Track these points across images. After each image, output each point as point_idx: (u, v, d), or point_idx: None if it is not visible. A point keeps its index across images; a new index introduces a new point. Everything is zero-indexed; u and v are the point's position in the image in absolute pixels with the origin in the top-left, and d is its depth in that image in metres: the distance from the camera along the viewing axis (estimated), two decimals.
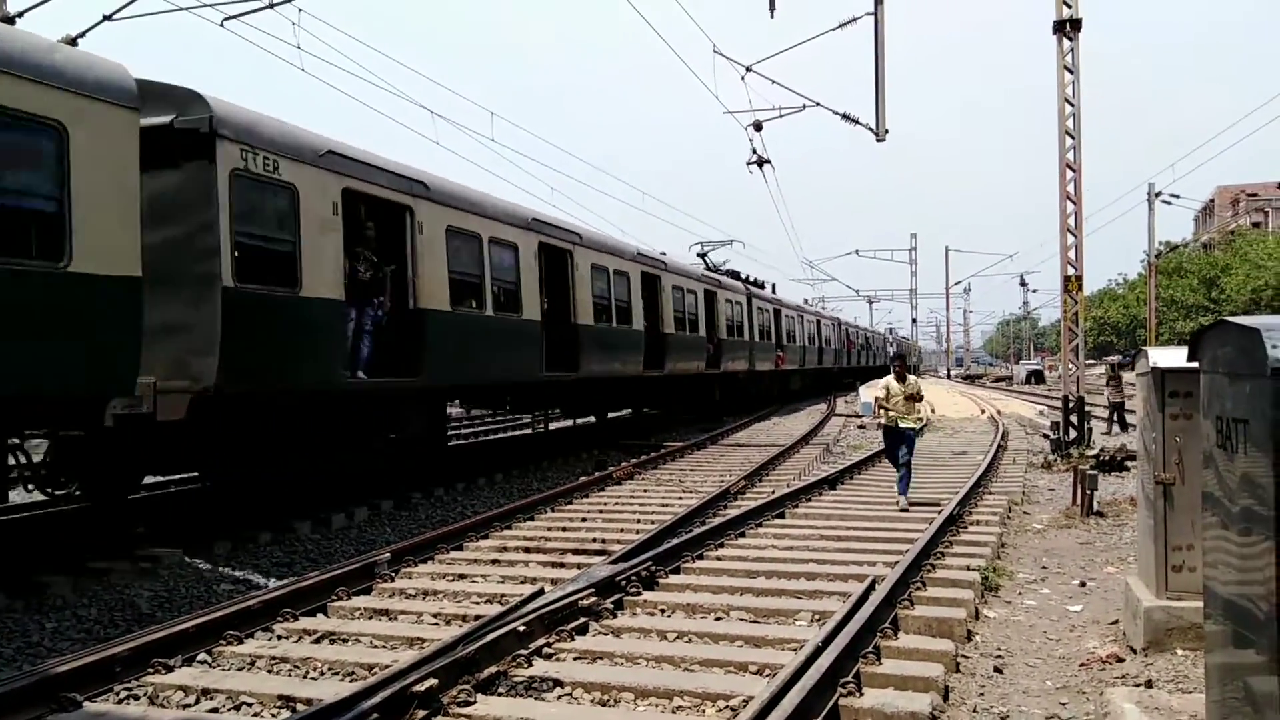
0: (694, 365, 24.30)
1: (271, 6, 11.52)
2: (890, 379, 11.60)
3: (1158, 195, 42.60)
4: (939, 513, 10.00)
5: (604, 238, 19.73)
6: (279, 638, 6.46)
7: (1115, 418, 23.64)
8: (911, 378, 11.68)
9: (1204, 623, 3.87)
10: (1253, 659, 3.21)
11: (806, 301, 53.93)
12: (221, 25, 11.98)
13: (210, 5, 11.52)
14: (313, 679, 5.67)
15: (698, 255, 30.93)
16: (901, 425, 11.29)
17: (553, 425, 23.06)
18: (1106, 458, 15.52)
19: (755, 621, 6.68)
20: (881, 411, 11.53)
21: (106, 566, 8.54)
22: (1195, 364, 3.89)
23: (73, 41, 9.11)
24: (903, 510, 10.67)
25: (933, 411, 29.54)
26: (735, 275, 30.68)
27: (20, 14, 10.27)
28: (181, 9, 11.43)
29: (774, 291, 36.21)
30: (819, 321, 44.89)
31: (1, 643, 6.67)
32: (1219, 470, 3.52)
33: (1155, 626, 5.96)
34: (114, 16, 10.74)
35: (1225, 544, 3.47)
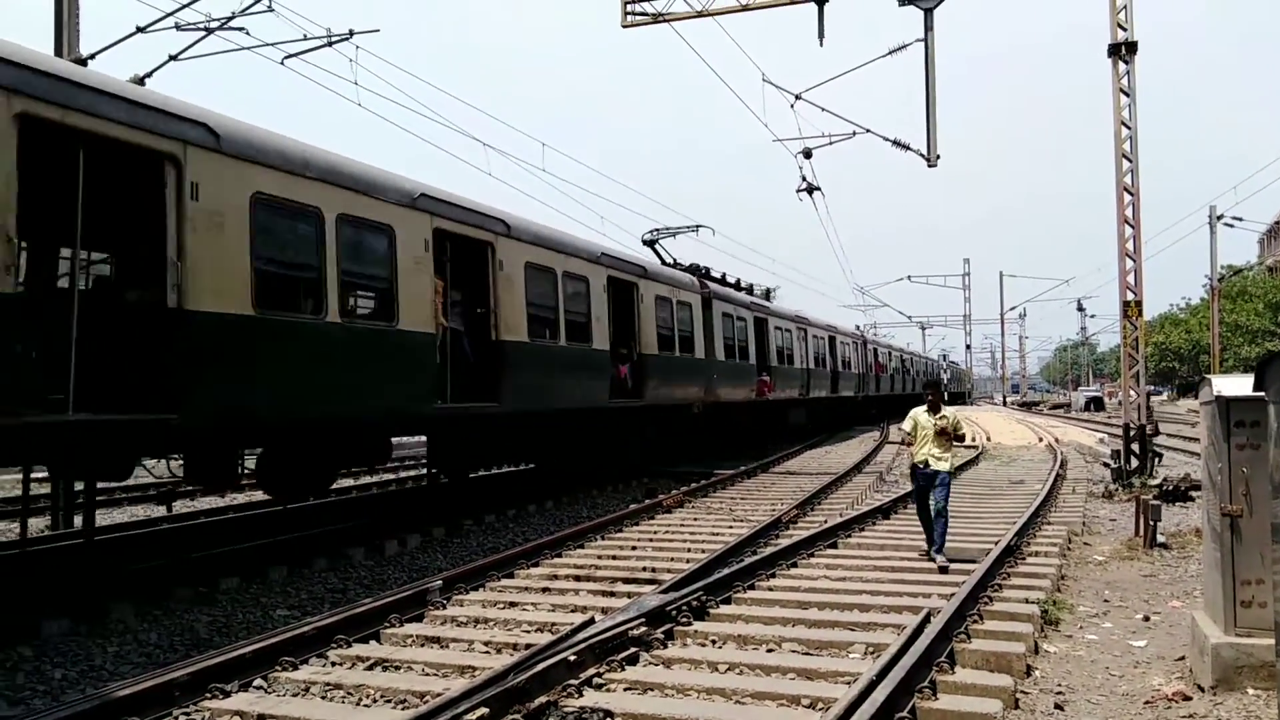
0: (578, 396, 15.58)
1: (330, 44, 11.82)
2: (920, 410, 10.02)
3: (1219, 218, 41.67)
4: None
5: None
6: (333, 664, 6.53)
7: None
8: (948, 409, 10.09)
9: (1277, 661, 3.73)
10: None
11: (858, 328, 53.22)
12: (282, 63, 12.32)
13: (272, 44, 11.86)
14: (365, 706, 5.71)
15: (644, 242, 23.32)
16: (934, 467, 9.77)
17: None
18: (1170, 487, 15.10)
19: (808, 653, 6.59)
20: (910, 448, 10.14)
21: (168, 591, 8.71)
22: (1262, 393, 3.77)
23: (141, 81, 9.43)
24: (941, 570, 9.14)
25: (988, 439, 29.08)
26: (698, 271, 22.99)
27: (92, 55, 10.67)
28: (243, 48, 11.79)
29: (769, 298, 30.69)
30: (832, 339, 35.58)
31: (66, 665, 6.83)
32: None
33: (1224, 664, 5.77)
34: (179, 57, 11.09)
35: None
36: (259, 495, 17.58)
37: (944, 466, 9.84)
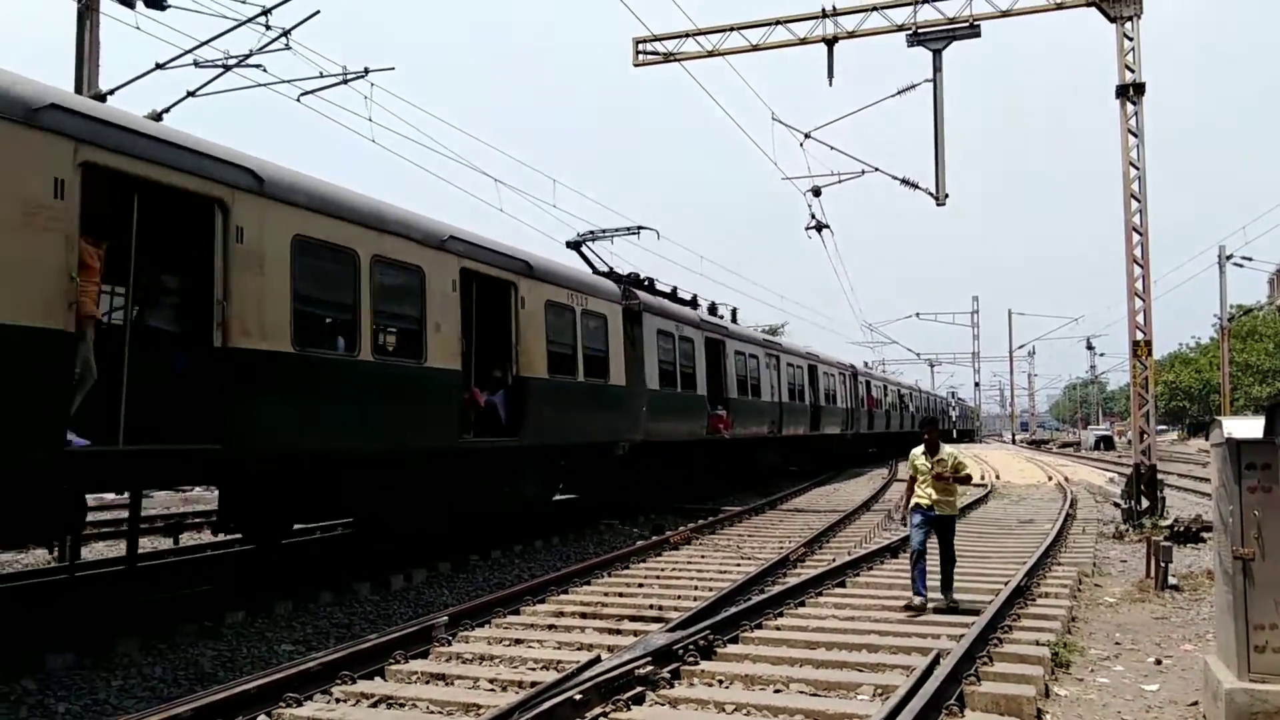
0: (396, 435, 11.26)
1: (345, 82, 11.98)
2: (918, 451, 9.57)
3: (1229, 258, 41.67)
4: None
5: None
6: (337, 700, 6.49)
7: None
8: (949, 449, 9.59)
9: None
10: None
11: (869, 363, 52.96)
12: (298, 100, 12.48)
13: (288, 81, 12.03)
14: None
15: (568, 245, 19.65)
16: (937, 511, 9.29)
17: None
18: (1181, 528, 14.98)
19: (815, 694, 6.53)
20: (916, 494, 9.50)
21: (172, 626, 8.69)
22: (1274, 438, 3.76)
23: (158, 116, 9.57)
24: (940, 610, 8.93)
25: (998, 478, 28.92)
26: (627, 279, 18.70)
27: (111, 91, 10.83)
28: (260, 85, 11.96)
29: (734, 320, 26.02)
30: (812, 369, 31.29)
31: (70, 699, 6.80)
32: None
33: (1238, 710, 5.69)
34: (197, 93, 11.26)
35: None
36: None
37: (947, 511, 9.34)
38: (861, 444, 40.58)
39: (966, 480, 9.47)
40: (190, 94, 11.66)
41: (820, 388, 32.19)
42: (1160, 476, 17.80)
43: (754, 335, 27.10)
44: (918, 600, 9.01)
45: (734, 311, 26.10)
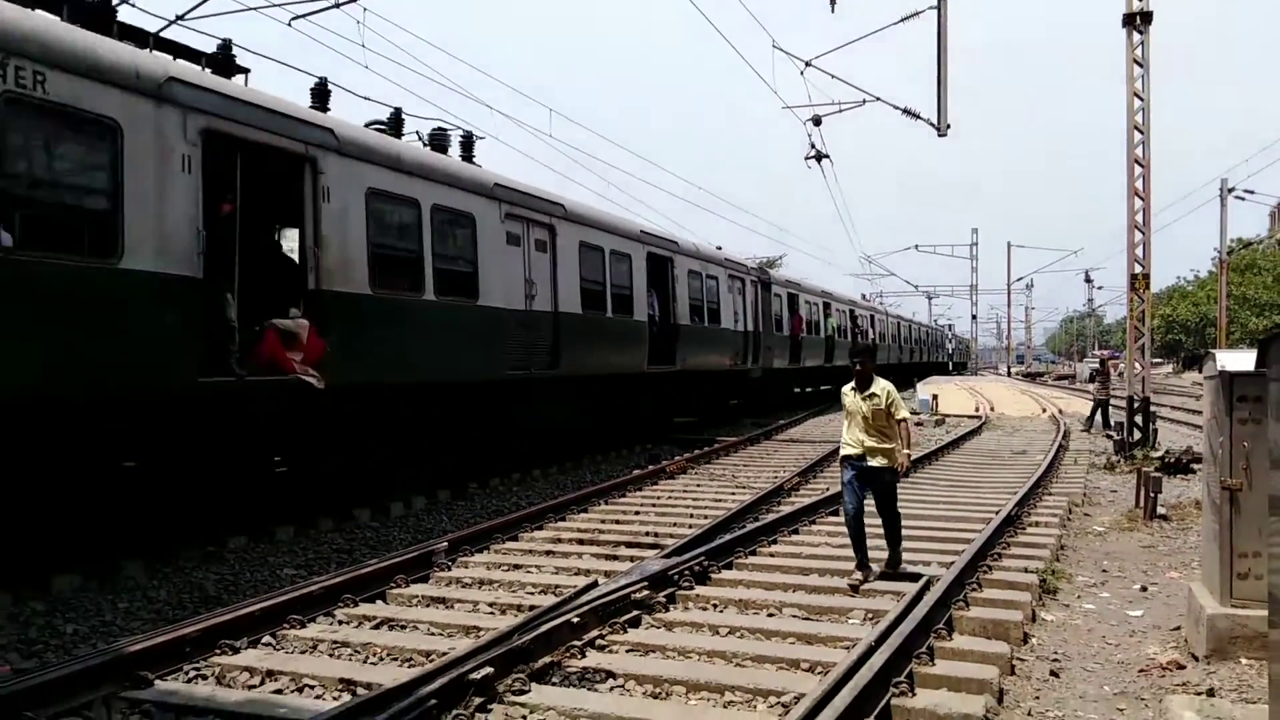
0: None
1: (338, 6, 11.74)
2: (848, 388, 7.74)
3: (1231, 191, 41.37)
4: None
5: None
6: (340, 623, 6.64)
7: (1100, 414, 23.17)
8: (882, 383, 7.61)
9: (1269, 631, 3.80)
10: None
11: (865, 297, 52.80)
12: (289, 24, 12.23)
13: (279, 4, 11.78)
14: (373, 664, 5.82)
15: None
16: (870, 463, 7.50)
17: None
18: (1172, 460, 15.17)
19: (808, 618, 6.68)
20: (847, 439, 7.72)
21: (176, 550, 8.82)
22: (1264, 370, 3.80)
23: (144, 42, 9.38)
24: (885, 577, 7.49)
25: (992, 409, 29.12)
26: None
27: None
28: (250, 9, 11.71)
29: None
30: (664, 261, 19.17)
31: (78, 621, 6.95)
32: None
33: (1219, 634, 5.85)
34: (185, 17, 11.03)
35: None
36: None
37: (880, 461, 7.48)
38: (780, 382, 29.68)
39: (902, 423, 7.57)
40: (179, 18, 11.40)
41: (682, 298, 19.91)
42: (1153, 409, 17.94)
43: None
44: (858, 575, 7.42)
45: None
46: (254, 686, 5.43)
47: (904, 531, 7.89)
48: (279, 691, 5.36)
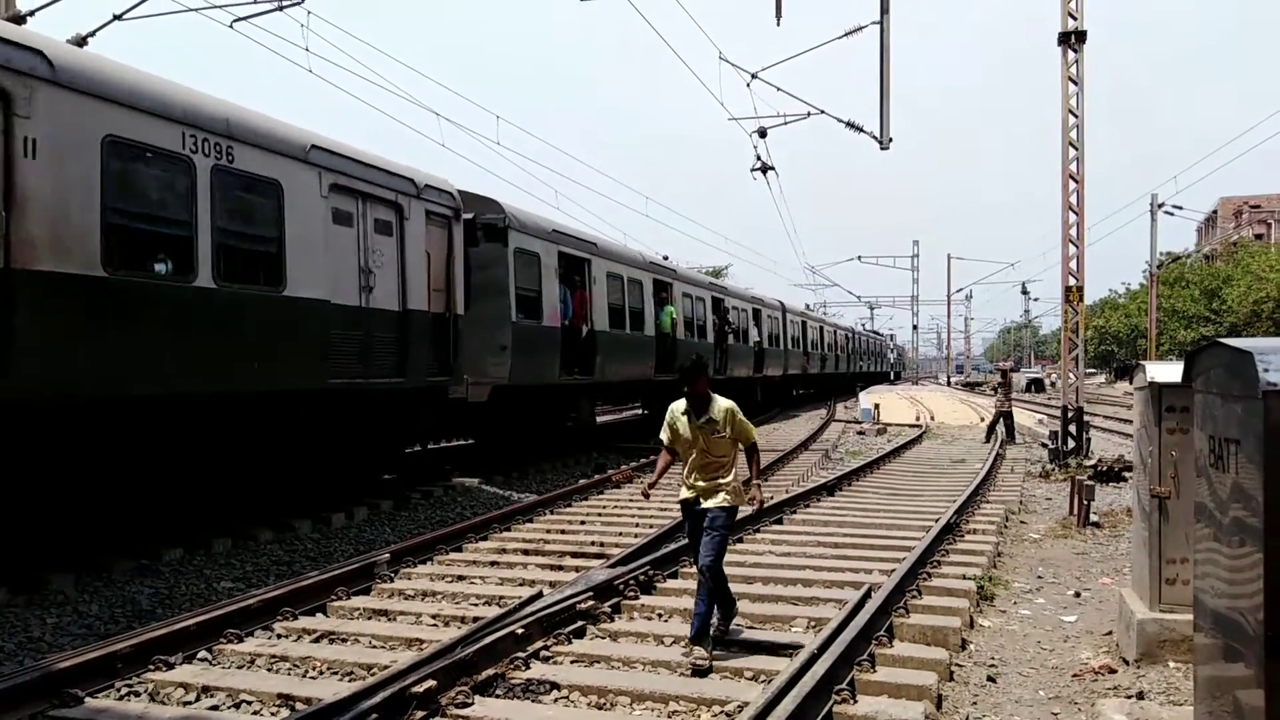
0: None
1: (281, 8, 11.58)
2: (678, 407, 6.27)
3: (1160, 206, 42.68)
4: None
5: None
6: (279, 636, 6.52)
7: (1002, 425, 22.27)
8: (724, 403, 6.15)
9: (1193, 635, 3.92)
10: (1241, 672, 3.26)
11: (809, 307, 52.95)
12: (231, 26, 12.04)
13: (220, 6, 11.58)
14: (312, 678, 5.72)
15: None
16: (705, 503, 6.06)
17: None
18: (1104, 468, 15.55)
19: (752, 626, 6.72)
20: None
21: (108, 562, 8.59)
22: (1190, 381, 3.94)
23: (82, 41, 9.17)
24: (700, 660, 5.73)
25: (932, 419, 29.61)
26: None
27: (31, 13, 10.33)
28: (191, 9, 11.50)
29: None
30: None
31: (3, 637, 6.72)
32: (1212, 485, 3.57)
33: (1148, 638, 6.01)
34: (124, 16, 10.79)
35: (1216, 557, 3.52)
36: None
37: (717, 501, 6.02)
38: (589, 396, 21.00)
39: (752, 451, 6.28)
40: (117, 17, 11.16)
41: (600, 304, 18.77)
42: (1086, 418, 18.40)
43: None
44: (697, 654, 5.75)
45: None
46: (189, 703, 5.31)
47: (847, 538, 7.72)
48: (215, 708, 5.25)
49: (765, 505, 7.02)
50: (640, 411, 27.76)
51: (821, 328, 45.42)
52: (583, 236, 18.54)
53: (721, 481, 6.13)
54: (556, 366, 16.73)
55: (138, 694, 5.44)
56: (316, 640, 6.45)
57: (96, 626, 7.12)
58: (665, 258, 24.87)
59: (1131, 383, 7.32)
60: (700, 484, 6.14)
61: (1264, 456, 2.94)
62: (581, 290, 17.92)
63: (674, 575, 8.09)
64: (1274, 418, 2.89)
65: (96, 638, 6.56)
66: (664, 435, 6.35)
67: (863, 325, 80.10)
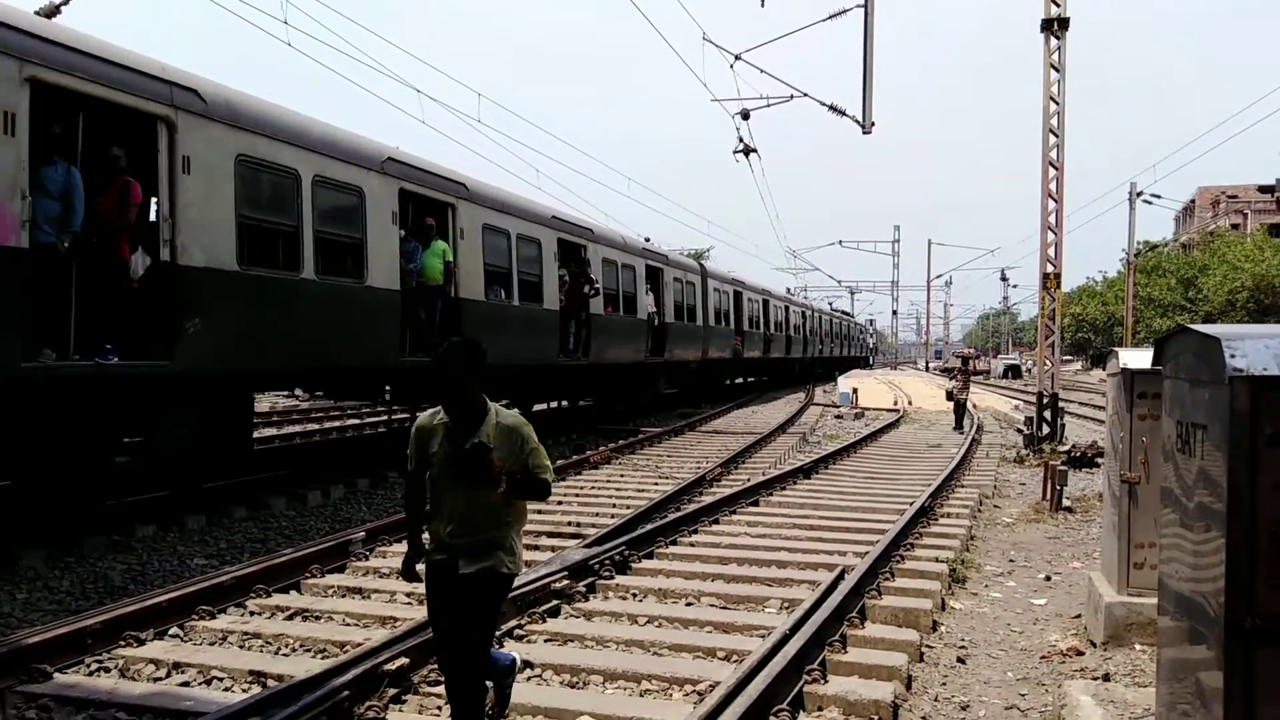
0: None
1: None
2: (426, 419, 4.11)
3: (1139, 195, 42.97)
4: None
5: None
6: (251, 613, 6.49)
7: (956, 414, 21.79)
8: (503, 417, 4.02)
9: (1157, 618, 3.97)
10: (1203, 654, 3.31)
11: (790, 291, 52.69)
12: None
13: None
14: (284, 655, 5.71)
15: None
16: (466, 569, 4.01)
17: None
18: (1078, 454, 15.71)
19: (725, 608, 6.77)
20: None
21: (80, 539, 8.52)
22: (1160, 367, 3.97)
23: (54, 11, 9.00)
24: None
25: (909, 404, 29.78)
26: None
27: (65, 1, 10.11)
28: None
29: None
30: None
31: None
32: (1178, 470, 3.61)
33: (1115, 621, 6.09)
34: None
35: (1181, 541, 3.56)
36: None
37: (481, 565, 4.01)
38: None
39: (542, 490, 4.12)
40: None
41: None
42: (1061, 404, 18.56)
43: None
44: None
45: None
46: (159, 679, 5.29)
47: (822, 520, 7.66)
48: (186, 684, 5.23)
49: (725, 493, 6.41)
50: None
51: (767, 302, 36.65)
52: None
53: (496, 534, 4.02)
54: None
55: (108, 670, 5.42)
56: (290, 618, 6.43)
57: (67, 603, 7.07)
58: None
59: (1105, 369, 7.38)
60: (459, 536, 4.00)
61: (1229, 442, 2.97)
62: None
63: (649, 555, 8.13)
64: (1240, 403, 2.91)
65: (67, 614, 6.51)
66: (411, 463, 4.15)
67: (830, 304, 70.09)
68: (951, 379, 22.66)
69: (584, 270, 18.19)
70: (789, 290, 52.75)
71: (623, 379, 22.06)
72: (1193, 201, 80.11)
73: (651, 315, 22.67)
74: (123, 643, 5.66)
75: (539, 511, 10.31)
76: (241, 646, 5.85)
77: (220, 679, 5.28)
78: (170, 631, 5.99)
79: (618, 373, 21.33)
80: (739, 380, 38.21)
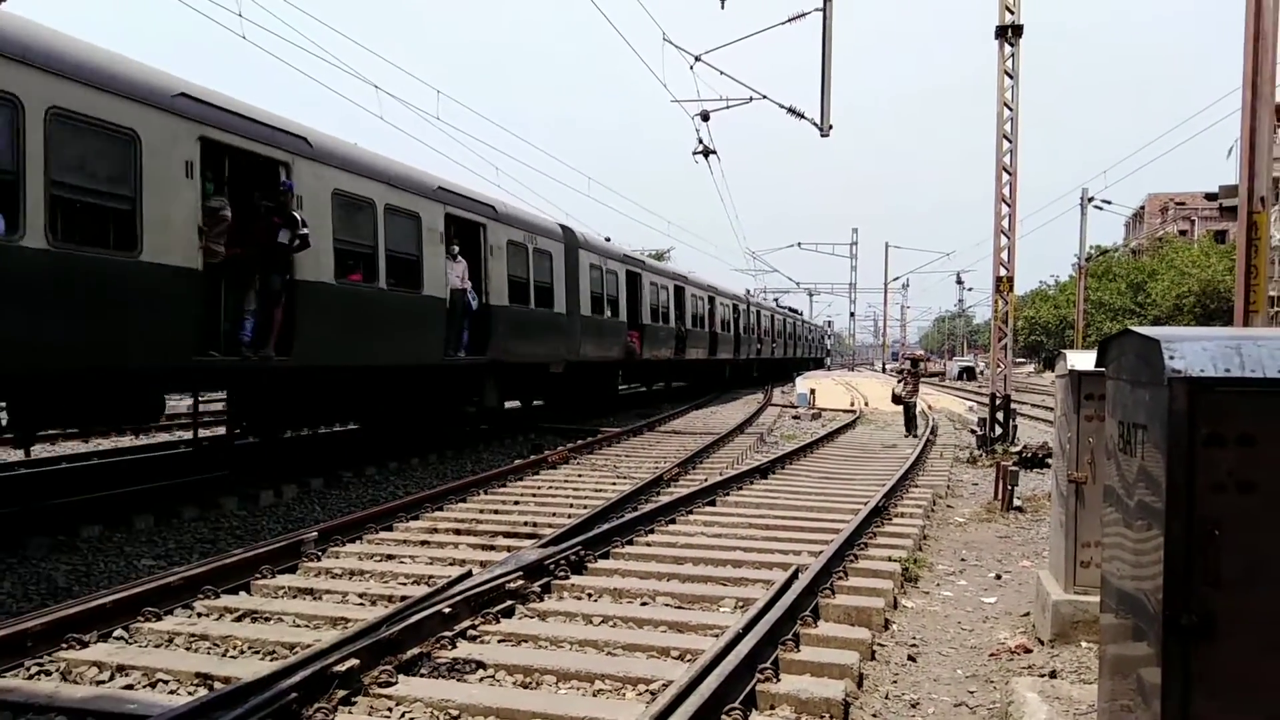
0: None
1: None
2: None
3: (1090, 200, 43.77)
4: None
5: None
6: (199, 615, 6.39)
7: (906, 417, 21.23)
8: None
9: (1100, 615, 4.04)
10: (1143, 650, 3.37)
11: (749, 292, 52.69)
12: None
13: None
14: (232, 657, 5.62)
15: None
16: None
17: None
18: (1029, 454, 15.96)
19: (680, 607, 6.78)
20: None
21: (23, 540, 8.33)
22: (1103, 369, 4.04)
23: None
24: None
25: (866, 405, 30.07)
26: None
27: None
28: None
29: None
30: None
31: None
32: (1120, 469, 3.68)
33: (1062, 619, 6.19)
34: None
35: (1122, 540, 3.63)
36: (125, 441, 16.92)
37: None
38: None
39: None
40: None
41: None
42: (1014, 406, 18.84)
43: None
44: None
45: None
46: (103, 682, 5.18)
47: (778, 520, 7.90)
48: (130, 687, 5.12)
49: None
50: None
51: (682, 289, 30.26)
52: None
53: None
54: None
55: (49, 673, 5.30)
56: (239, 619, 6.34)
57: (8, 604, 6.90)
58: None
59: (1054, 370, 7.51)
60: None
61: (1168, 441, 3.03)
62: None
63: (605, 555, 8.12)
64: (1178, 404, 2.97)
65: (7, 615, 6.35)
66: None
67: (775, 300, 65.09)
68: (900, 381, 21.60)
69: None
70: (748, 291, 52.71)
71: (394, 391, 14.76)
72: (1142, 208, 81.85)
73: (460, 293, 15.19)
74: (65, 645, 5.54)
75: (495, 512, 10.27)
76: (188, 648, 5.75)
77: (166, 681, 5.18)
78: (115, 633, 5.87)
79: (373, 381, 14.02)
80: (646, 386, 33.09)
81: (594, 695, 5.14)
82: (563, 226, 20.44)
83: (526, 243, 17.86)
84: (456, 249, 15.27)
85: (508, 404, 19.43)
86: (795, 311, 68.01)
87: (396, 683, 5.09)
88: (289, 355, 11.14)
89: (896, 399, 21.81)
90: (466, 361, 15.67)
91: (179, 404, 19.59)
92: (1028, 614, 7.09)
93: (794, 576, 7.01)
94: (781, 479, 13.02)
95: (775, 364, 53.98)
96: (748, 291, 51.67)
